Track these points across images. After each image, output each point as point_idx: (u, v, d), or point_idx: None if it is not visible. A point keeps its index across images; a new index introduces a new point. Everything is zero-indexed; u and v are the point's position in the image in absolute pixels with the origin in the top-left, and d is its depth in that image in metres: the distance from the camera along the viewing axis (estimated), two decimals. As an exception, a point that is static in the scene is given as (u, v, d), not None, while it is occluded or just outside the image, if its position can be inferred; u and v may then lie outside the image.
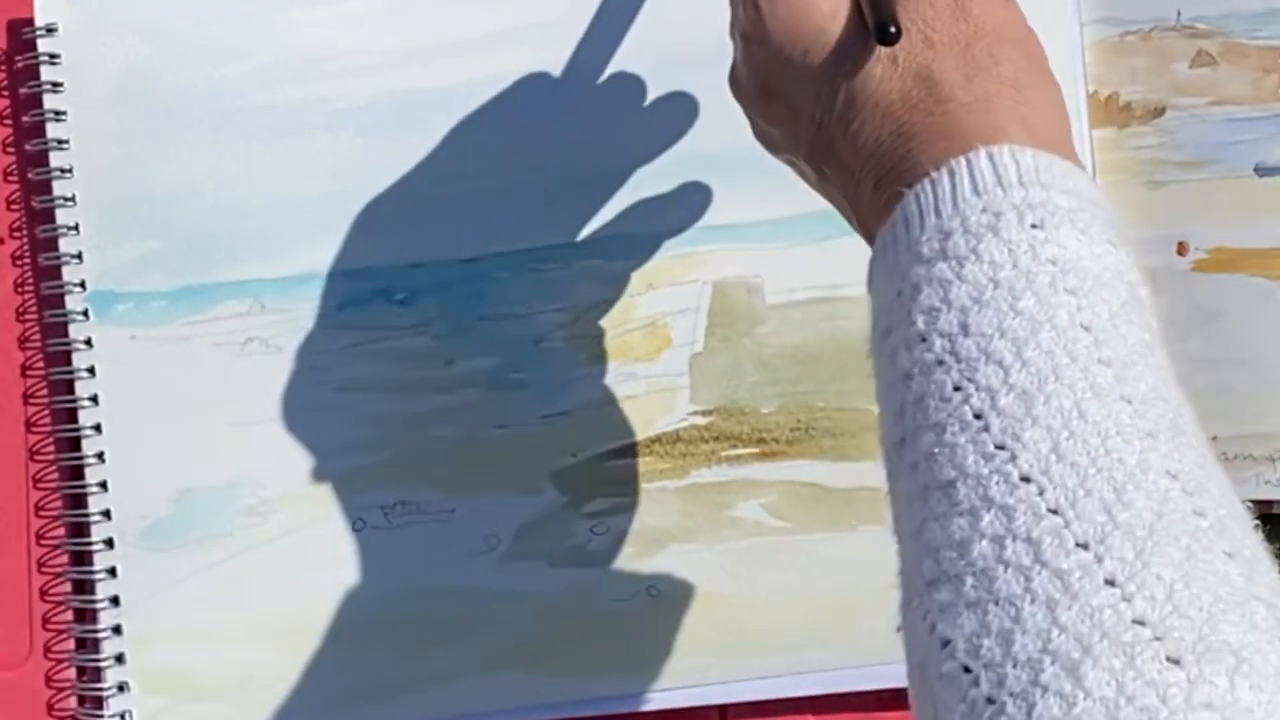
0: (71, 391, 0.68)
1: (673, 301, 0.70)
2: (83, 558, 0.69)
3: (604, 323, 0.69)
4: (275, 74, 0.69)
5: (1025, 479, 0.38)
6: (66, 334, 0.69)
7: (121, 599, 0.68)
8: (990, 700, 0.36)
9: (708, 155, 0.66)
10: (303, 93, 0.69)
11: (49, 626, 0.69)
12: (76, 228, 0.68)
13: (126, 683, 0.68)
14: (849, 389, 0.69)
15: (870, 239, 0.47)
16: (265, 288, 0.69)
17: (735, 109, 0.54)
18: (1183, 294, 0.70)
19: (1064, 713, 0.35)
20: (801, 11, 0.49)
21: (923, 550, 0.40)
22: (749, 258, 0.70)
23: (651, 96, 0.69)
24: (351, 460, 0.69)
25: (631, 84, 0.69)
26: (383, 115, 0.69)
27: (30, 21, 0.69)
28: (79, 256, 0.68)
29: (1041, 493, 0.38)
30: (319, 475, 0.69)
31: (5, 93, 0.70)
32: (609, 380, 0.69)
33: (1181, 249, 0.70)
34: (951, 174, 0.43)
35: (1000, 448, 0.39)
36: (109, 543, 0.68)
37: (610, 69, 0.69)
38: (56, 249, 0.68)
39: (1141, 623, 0.35)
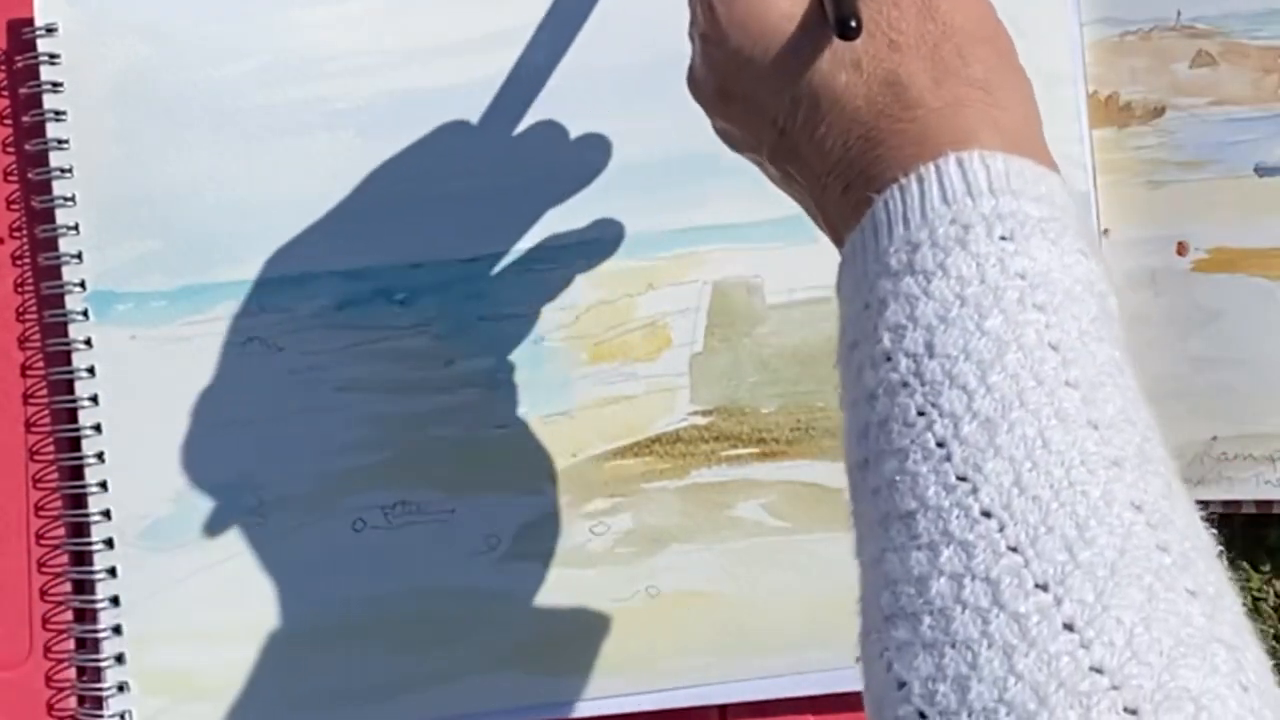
0: (71, 391, 0.68)
1: (673, 301, 0.70)
2: (83, 558, 0.68)
3: (604, 323, 0.69)
4: (275, 74, 0.69)
5: (986, 514, 0.37)
6: (66, 334, 0.68)
7: (121, 599, 0.68)
8: None
9: (708, 155, 0.66)
10: (303, 93, 0.69)
11: (49, 626, 0.69)
12: (76, 228, 0.68)
13: (126, 683, 0.68)
14: (849, 389, 0.69)
15: (838, 241, 0.46)
16: (265, 287, 0.69)
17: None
18: (1183, 294, 0.70)
19: None
20: (759, 11, 0.48)
21: (881, 582, 0.39)
22: (749, 258, 0.70)
23: (651, 97, 0.69)
24: (351, 460, 0.69)
25: (631, 84, 0.69)
26: (383, 115, 0.69)
27: (30, 21, 0.68)
28: (79, 256, 0.68)
29: (1002, 529, 0.37)
30: (319, 475, 0.69)
31: (5, 93, 0.70)
32: (609, 380, 0.69)
33: (1181, 249, 0.70)
34: (920, 181, 0.42)
35: (962, 479, 0.38)
36: (109, 543, 0.68)
37: (610, 69, 0.69)
38: (56, 249, 0.68)
39: (1100, 670, 0.35)
